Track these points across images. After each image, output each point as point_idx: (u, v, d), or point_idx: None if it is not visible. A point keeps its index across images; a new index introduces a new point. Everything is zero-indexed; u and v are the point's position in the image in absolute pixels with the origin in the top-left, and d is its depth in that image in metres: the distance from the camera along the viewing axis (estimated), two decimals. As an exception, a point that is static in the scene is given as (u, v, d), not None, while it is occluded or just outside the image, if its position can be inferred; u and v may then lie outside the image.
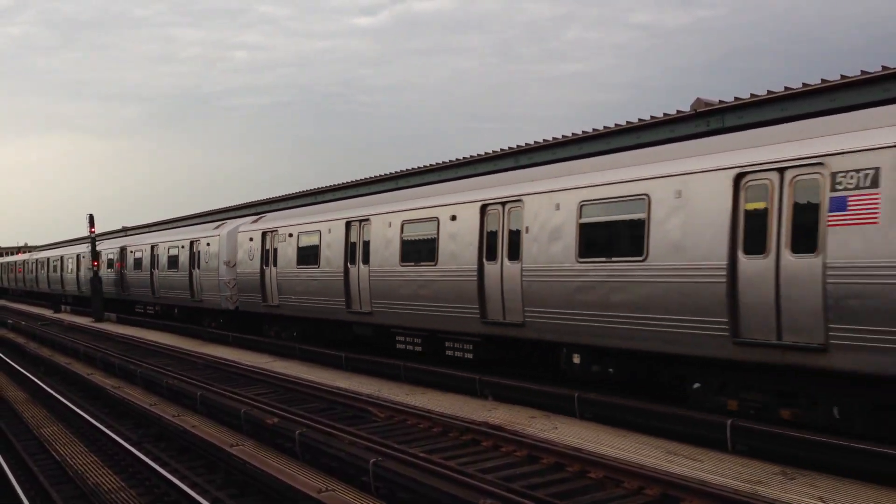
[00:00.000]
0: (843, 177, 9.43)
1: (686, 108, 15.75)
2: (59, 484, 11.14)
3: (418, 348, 17.15)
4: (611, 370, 12.93)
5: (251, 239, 23.88)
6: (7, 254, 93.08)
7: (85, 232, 40.86)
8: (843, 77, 13.09)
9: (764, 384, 10.70)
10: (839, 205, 9.42)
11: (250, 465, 10.66)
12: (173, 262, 30.60)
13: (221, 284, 26.07)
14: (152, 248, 33.02)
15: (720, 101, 15.20)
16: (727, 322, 10.52)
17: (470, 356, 15.66)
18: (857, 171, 9.26)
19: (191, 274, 28.85)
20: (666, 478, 8.71)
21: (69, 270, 47.24)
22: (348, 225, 19.00)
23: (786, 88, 13.89)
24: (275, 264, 22.31)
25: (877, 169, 9.10)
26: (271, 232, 22.89)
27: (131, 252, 35.80)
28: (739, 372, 10.90)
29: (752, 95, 14.44)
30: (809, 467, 9.03)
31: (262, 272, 23.16)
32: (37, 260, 58.11)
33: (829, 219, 9.54)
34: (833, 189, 9.49)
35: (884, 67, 12.56)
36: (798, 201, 10.00)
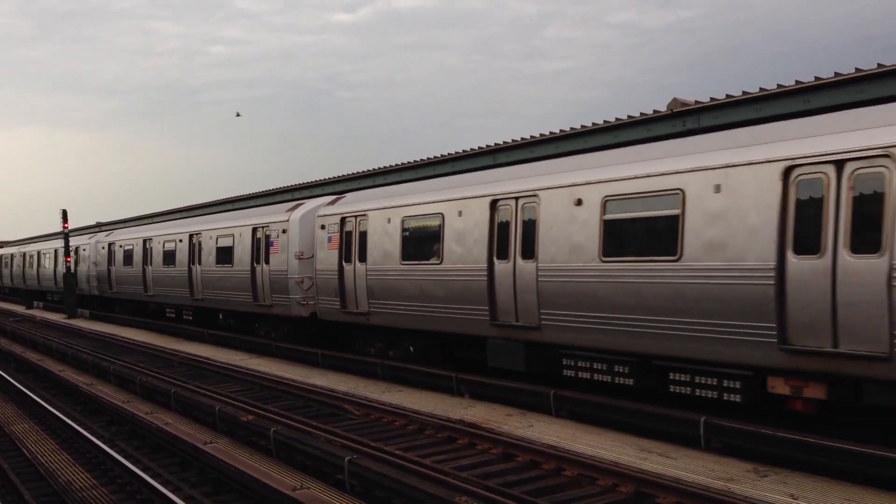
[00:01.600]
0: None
1: (664, 108, 15.85)
2: (30, 482, 11.01)
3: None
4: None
5: (324, 227, 18.97)
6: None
7: (60, 227, 40.41)
8: (816, 78, 13.25)
9: None
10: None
11: (224, 462, 10.58)
12: (224, 255, 24.02)
13: (293, 285, 20.14)
14: (190, 237, 26.32)
15: (696, 102, 15.31)
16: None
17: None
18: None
19: (253, 271, 22.08)
20: (640, 475, 8.77)
21: (46, 266, 46.67)
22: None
23: (760, 89, 14.03)
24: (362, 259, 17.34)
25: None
26: (358, 216, 17.80)
27: (152, 245, 29.54)
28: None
29: (728, 96, 14.56)
30: (781, 464, 9.12)
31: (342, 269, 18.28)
32: (12, 255, 57.29)
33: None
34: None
35: (857, 69, 12.71)
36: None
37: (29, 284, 50.84)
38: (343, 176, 26.46)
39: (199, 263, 25.60)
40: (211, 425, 13.13)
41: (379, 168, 24.58)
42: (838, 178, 9.29)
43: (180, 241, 27.00)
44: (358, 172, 25.53)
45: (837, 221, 9.27)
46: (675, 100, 16.10)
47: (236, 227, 23.34)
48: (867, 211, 9.03)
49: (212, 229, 25.07)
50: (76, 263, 38.85)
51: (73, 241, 39.46)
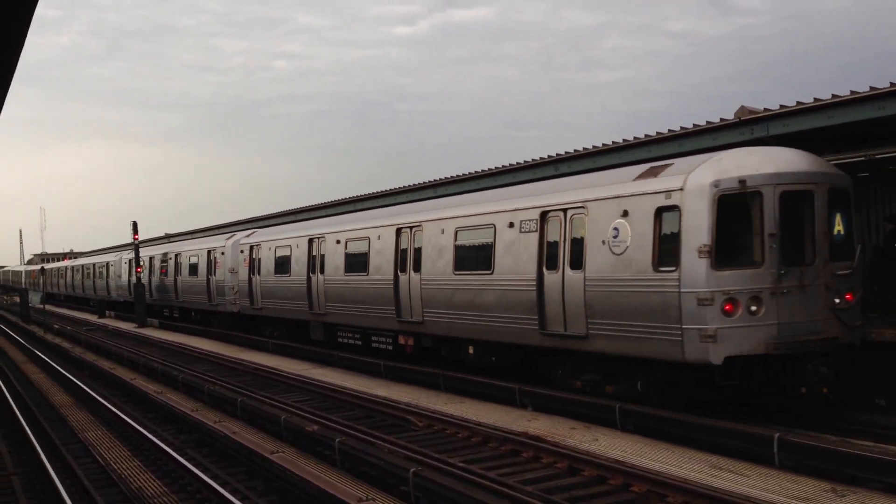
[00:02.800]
0: (587, 215, 13.38)
1: (729, 116, 15.54)
2: (104, 488, 11.29)
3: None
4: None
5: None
6: (53, 260, 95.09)
7: (129, 238, 41.52)
8: (892, 84, 12.81)
9: (595, 367, 13.59)
10: (594, 236, 13.10)
11: (290, 472, 10.69)
12: (193, 269, 32.75)
13: (227, 290, 28.90)
14: (177, 256, 33.07)
15: (765, 109, 14.97)
16: (537, 318, 14.04)
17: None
18: (607, 213, 12.92)
19: (208, 281, 31.22)
20: (710, 493, 8.56)
21: (117, 276, 48.57)
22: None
23: (833, 96, 13.63)
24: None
25: (625, 210, 12.69)
26: (253, 245, 27.07)
27: (181, 259, 34.08)
28: (583, 359, 13.75)
29: (798, 103, 14.20)
30: (861, 484, 8.80)
31: (250, 279, 26.82)
32: (83, 266, 59.32)
33: (583, 245, 13.32)
34: (584, 224, 13.34)
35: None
36: (572, 231, 13.65)
37: (100, 294, 52.41)
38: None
39: (180, 275, 35.02)
40: (276, 434, 13.29)
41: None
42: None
43: (193, 256, 33.81)
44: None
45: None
46: (742, 108, 15.77)
47: (200, 249, 32.53)
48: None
49: (186, 250, 34.64)
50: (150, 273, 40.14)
51: (142, 252, 40.72)
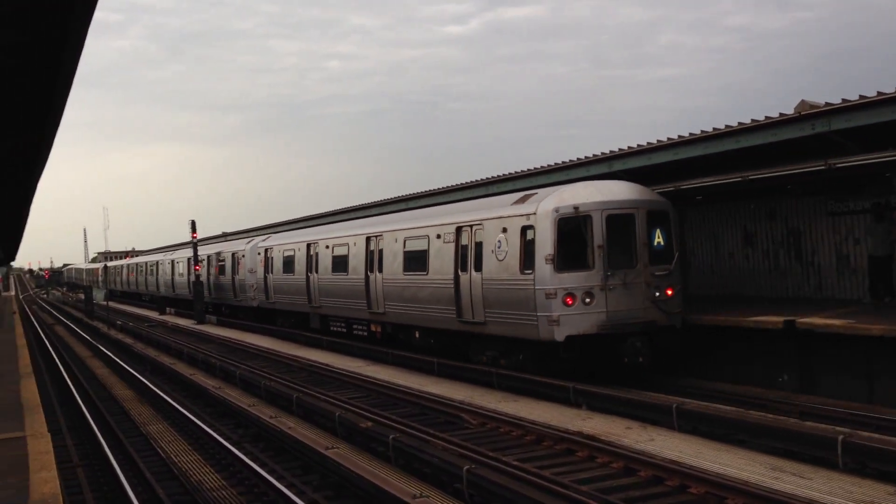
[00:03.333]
0: (483, 230, 17.17)
1: (788, 111, 15.20)
2: (164, 480, 11.55)
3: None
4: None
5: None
6: (116, 258, 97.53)
7: (188, 236, 42.34)
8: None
9: (493, 346, 17.23)
10: (488, 247, 16.91)
11: (345, 468, 10.79)
12: (221, 269, 38.08)
13: (248, 287, 33.81)
14: (216, 255, 38.33)
15: (826, 104, 14.61)
16: (454, 309, 17.87)
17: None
18: (494, 229, 16.71)
19: (233, 279, 36.50)
20: (771, 495, 8.38)
21: (166, 274, 50.33)
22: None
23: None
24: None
25: (504, 227, 16.41)
26: (268, 249, 31.59)
27: (211, 259, 38.26)
28: (485, 340, 17.44)
29: (861, 97, 13.83)
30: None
31: (266, 278, 31.64)
32: (137, 264, 60.83)
33: (481, 253, 17.09)
34: (481, 237, 17.13)
35: None
36: (475, 242, 17.30)
37: (150, 290, 53.83)
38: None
39: (211, 274, 39.71)
40: (331, 430, 13.42)
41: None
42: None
43: (221, 258, 38.09)
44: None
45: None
46: (802, 102, 15.41)
47: (226, 251, 37.67)
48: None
49: (215, 252, 39.35)
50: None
51: (201, 251, 41.67)
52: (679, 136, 17.26)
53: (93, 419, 15.74)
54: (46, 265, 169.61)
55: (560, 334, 15.14)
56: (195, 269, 39.92)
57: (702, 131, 16.76)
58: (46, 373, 24.45)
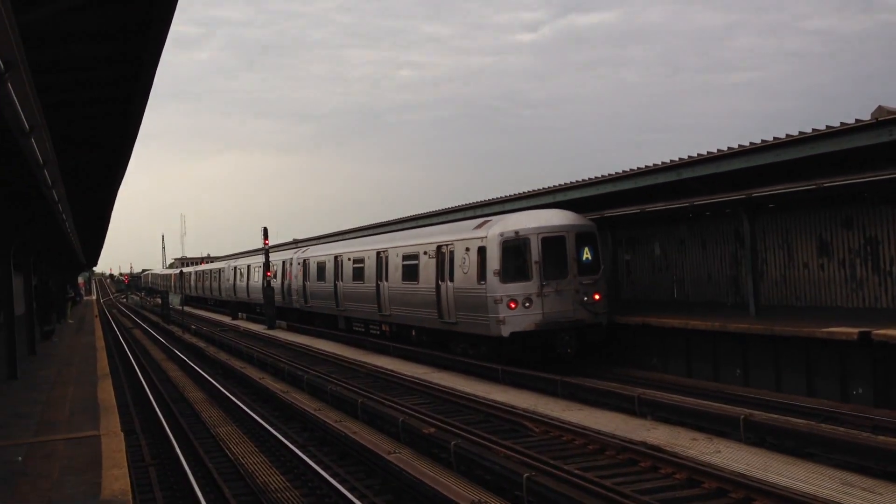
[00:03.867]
0: (454, 248, 21.33)
1: (865, 117, 14.75)
2: (231, 481, 11.82)
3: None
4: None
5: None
6: (192, 264, 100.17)
7: (261, 243, 43.34)
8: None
9: (464, 341, 21.51)
10: (457, 262, 21.01)
11: (406, 472, 10.88)
12: (260, 277, 43.99)
13: (293, 292, 38.59)
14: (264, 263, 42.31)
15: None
16: (436, 311, 22.03)
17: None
18: (461, 248, 20.93)
19: (281, 285, 41.15)
20: (840, 511, 8.14)
21: (227, 279, 52.23)
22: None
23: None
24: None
25: (467, 247, 20.60)
26: (305, 260, 36.21)
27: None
28: (458, 336, 21.74)
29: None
30: None
31: (304, 284, 36.68)
32: (203, 271, 62.39)
33: (453, 267, 21.16)
34: (453, 254, 21.20)
35: None
36: (448, 258, 21.45)
37: (234, 297, 54.96)
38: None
39: (278, 279, 41.46)
40: (394, 435, 13.54)
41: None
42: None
43: (275, 265, 41.46)
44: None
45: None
46: (880, 108, 14.93)
47: (277, 260, 41.26)
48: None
49: (272, 261, 41.95)
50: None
51: (247, 261, 43.45)
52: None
53: (165, 420, 16.20)
54: (126, 270, 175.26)
55: (506, 331, 19.15)
56: (267, 275, 40.78)
57: (773, 138, 16.39)
58: (123, 374, 25.28)
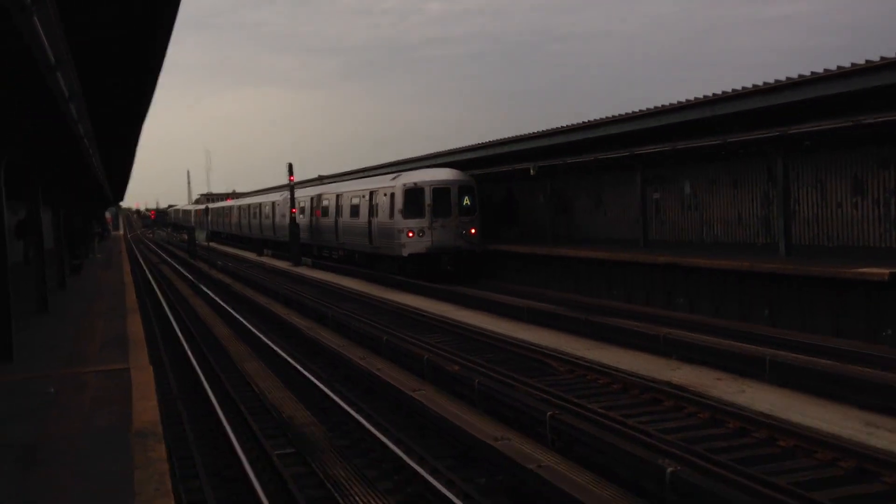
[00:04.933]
0: (378, 193, 30.10)
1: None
2: (257, 414, 12.01)
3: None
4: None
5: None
6: (218, 199, 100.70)
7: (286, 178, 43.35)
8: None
9: (384, 260, 29.81)
10: (379, 204, 29.65)
11: (431, 409, 10.98)
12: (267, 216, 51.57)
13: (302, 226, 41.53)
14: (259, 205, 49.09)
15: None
16: (368, 239, 30.53)
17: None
18: (381, 194, 29.71)
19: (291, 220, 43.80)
20: (863, 451, 8.11)
21: (279, 216, 52.06)
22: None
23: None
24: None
25: (384, 193, 29.24)
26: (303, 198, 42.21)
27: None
28: (381, 257, 30.33)
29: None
30: None
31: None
32: (248, 205, 62.46)
33: (377, 207, 30.00)
34: (377, 198, 30.01)
35: None
36: (374, 200, 30.17)
37: (265, 234, 55.34)
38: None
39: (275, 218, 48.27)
40: (418, 373, 13.64)
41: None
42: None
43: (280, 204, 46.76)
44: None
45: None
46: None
47: (281, 199, 46.57)
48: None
49: (274, 199, 48.98)
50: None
51: (261, 198, 43.75)
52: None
53: (193, 355, 16.44)
54: (153, 206, 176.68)
55: (406, 252, 27.68)
56: (292, 212, 40.88)
57: (810, 72, 15.91)
58: (151, 310, 25.64)
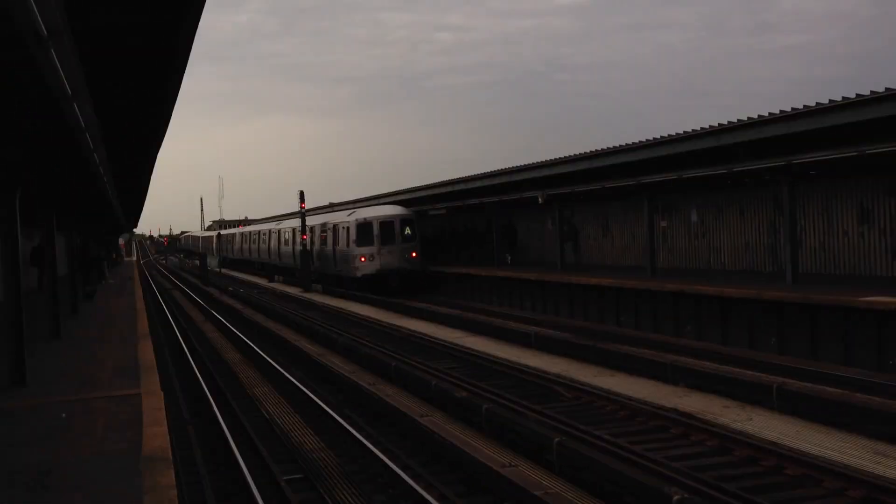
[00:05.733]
0: (333, 230, 38.86)
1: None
2: (266, 439, 12.07)
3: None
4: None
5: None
6: (230, 226, 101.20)
7: (297, 206, 43.69)
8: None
9: (344, 281, 37.21)
10: (340, 235, 37.46)
11: (438, 435, 11.02)
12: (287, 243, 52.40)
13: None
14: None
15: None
16: (334, 264, 38.57)
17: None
18: (333, 229, 38.64)
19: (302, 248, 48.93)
20: (872, 480, 8.12)
21: (284, 242, 52.19)
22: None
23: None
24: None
25: (334, 229, 38.49)
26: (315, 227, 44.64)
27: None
28: (340, 279, 37.92)
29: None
30: None
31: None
32: (258, 231, 62.88)
33: (334, 239, 38.12)
34: (338, 230, 37.93)
35: None
36: (336, 232, 38.07)
37: (271, 260, 55.58)
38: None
39: (279, 245, 52.12)
40: (427, 399, 13.68)
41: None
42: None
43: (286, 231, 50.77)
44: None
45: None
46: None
47: (288, 227, 50.07)
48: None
49: (283, 227, 52.34)
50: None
51: (269, 226, 43.81)
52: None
53: (203, 380, 16.54)
54: (166, 231, 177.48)
55: (359, 274, 34.50)
56: (302, 238, 41.17)
57: (815, 103, 16.05)
58: (163, 335, 25.79)
